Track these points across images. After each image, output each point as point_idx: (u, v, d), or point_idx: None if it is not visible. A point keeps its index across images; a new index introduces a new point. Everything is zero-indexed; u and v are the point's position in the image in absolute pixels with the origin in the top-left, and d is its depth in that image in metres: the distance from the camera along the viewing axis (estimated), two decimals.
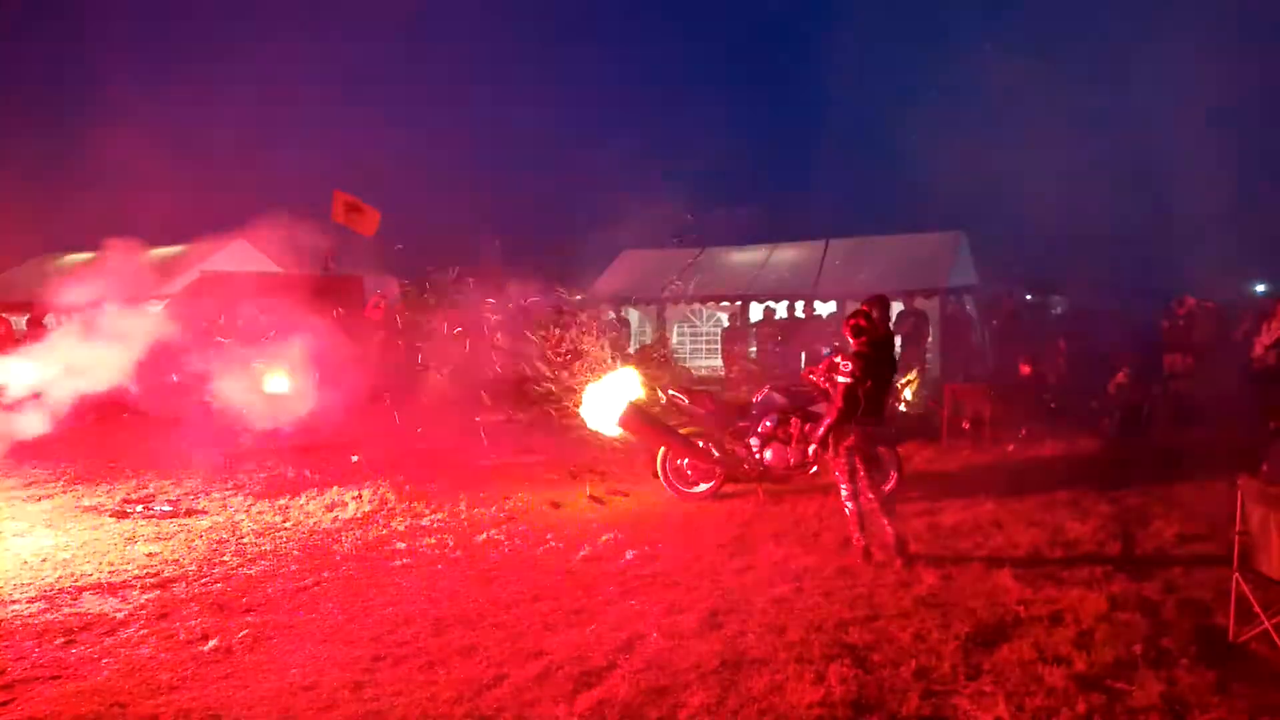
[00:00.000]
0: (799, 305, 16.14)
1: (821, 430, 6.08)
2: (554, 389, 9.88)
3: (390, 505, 7.95)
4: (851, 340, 6.12)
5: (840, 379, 5.98)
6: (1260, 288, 25.38)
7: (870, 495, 6.04)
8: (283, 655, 4.59)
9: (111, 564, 6.26)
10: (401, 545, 6.65)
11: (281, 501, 8.12)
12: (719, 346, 17.93)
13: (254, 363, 12.24)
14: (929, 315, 14.58)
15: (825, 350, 6.06)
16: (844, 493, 6.02)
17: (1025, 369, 11.12)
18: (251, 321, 13.09)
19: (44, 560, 6.36)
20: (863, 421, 5.99)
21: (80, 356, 8.33)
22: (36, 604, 5.43)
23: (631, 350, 14.09)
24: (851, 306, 15.03)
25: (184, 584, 5.81)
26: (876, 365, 6.02)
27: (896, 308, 16.19)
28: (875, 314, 7.92)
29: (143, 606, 5.35)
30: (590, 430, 8.52)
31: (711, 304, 18.53)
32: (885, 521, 5.96)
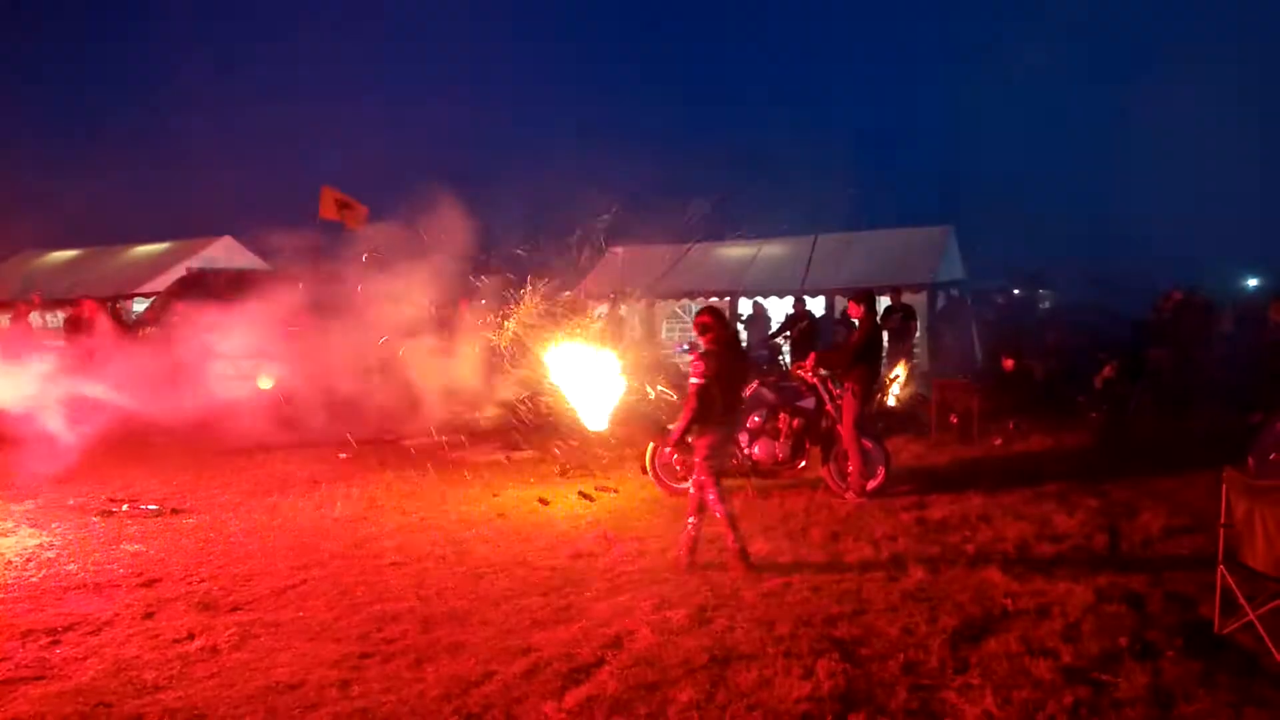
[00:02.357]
0: (788, 300, 16.16)
1: (674, 434, 5.87)
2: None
3: (378, 502, 7.93)
4: (700, 339, 5.95)
5: (691, 380, 5.76)
6: (1252, 282, 25.56)
7: (694, 492, 5.91)
8: (269, 654, 4.57)
9: (97, 563, 6.22)
10: (389, 543, 6.63)
11: (269, 500, 8.09)
12: None
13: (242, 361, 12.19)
14: (916, 310, 14.61)
15: (682, 347, 5.94)
16: (710, 496, 5.80)
17: (1009, 363, 11.15)
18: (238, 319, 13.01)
19: (29, 559, 6.31)
20: (722, 421, 5.83)
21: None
22: (21, 604, 5.39)
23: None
24: (840, 301, 15.07)
25: (170, 583, 5.77)
26: (727, 364, 5.83)
27: (884, 302, 16.24)
28: (865, 306, 7.95)
29: (128, 605, 5.31)
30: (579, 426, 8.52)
31: (700, 299, 18.51)
32: (692, 520, 5.86)
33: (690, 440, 5.84)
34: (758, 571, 5.61)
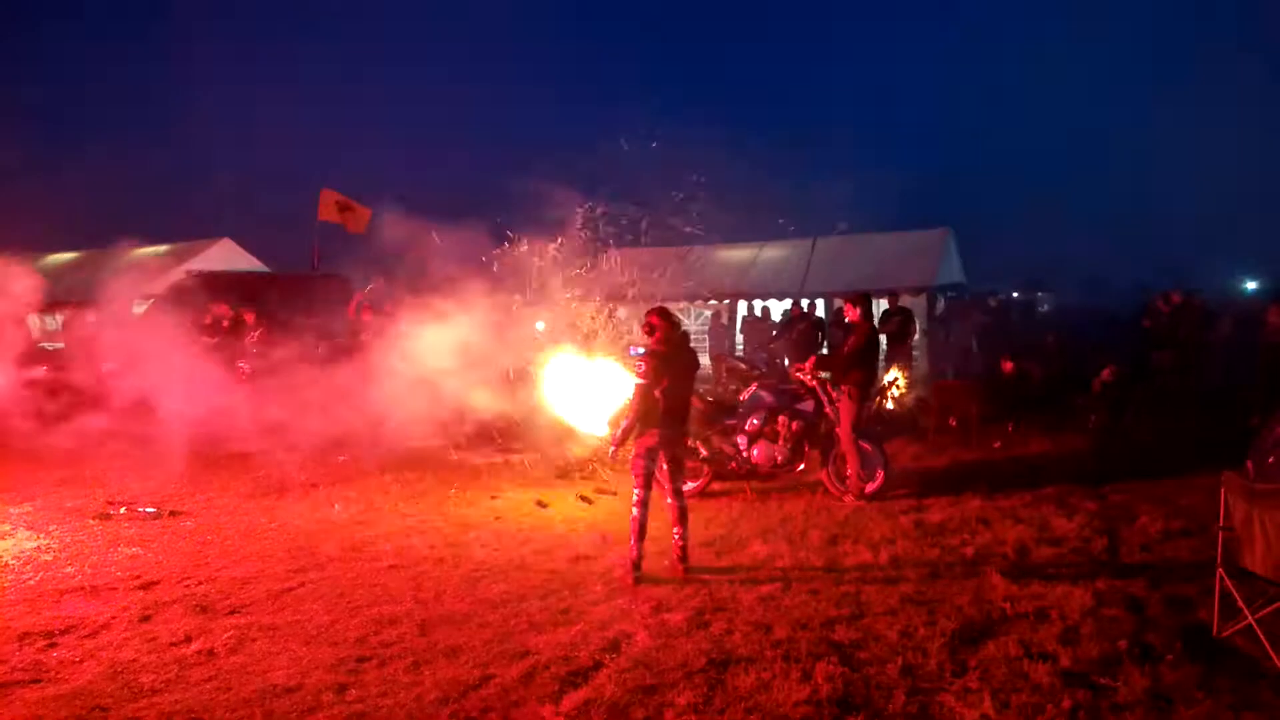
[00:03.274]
0: (786, 303, 16.15)
1: (619, 433, 5.80)
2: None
3: (376, 505, 7.92)
4: (647, 340, 5.83)
5: (636, 380, 5.68)
6: (1251, 285, 25.59)
7: (671, 500, 5.87)
8: (266, 657, 4.56)
9: (94, 566, 6.21)
10: (387, 546, 6.62)
11: (266, 502, 8.08)
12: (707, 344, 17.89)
13: (239, 363, 12.18)
14: (915, 313, 14.61)
15: (633, 351, 5.78)
16: (634, 497, 5.73)
17: (1007, 366, 11.14)
18: (237, 321, 13.01)
19: (26, 562, 6.30)
20: (664, 424, 5.72)
21: None
22: (18, 606, 5.37)
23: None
24: (839, 304, 15.04)
25: (167, 585, 5.76)
26: (673, 365, 5.73)
27: (882, 305, 16.22)
28: (861, 310, 7.92)
29: (125, 608, 5.30)
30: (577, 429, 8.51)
31: (700, 302, 18.52)
32: (676, 530, 5.82)
33: (631, 440, 5.75)
34: (649, 583, 5.56)
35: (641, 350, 5.74)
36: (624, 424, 5.75)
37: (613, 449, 5.87)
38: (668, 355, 5.71)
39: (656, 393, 5.65)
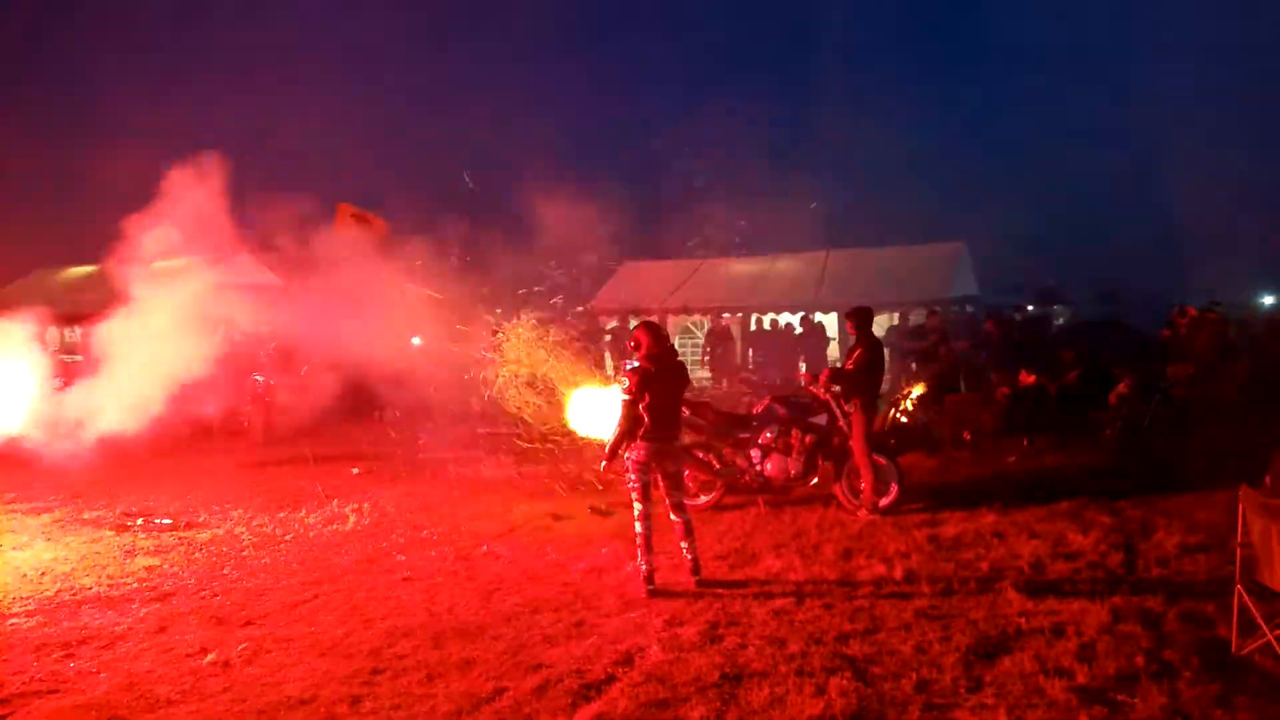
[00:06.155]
0: (797, 316, 16.13)
1: (608, 448, 5.82)
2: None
3: (390, 517, 7.95)
4: (635, 356, 5.82)
5: (621, 396, 5.72)
6: (1269, 299, 25.37)
7: (674, 516, 5.84)
8: (281, 669, 4.58)
9: (111, 577, 6.26)
10: (401, 558, 6.65)
11: (281, 514, 8.12)
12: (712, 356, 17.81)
13: (255, 375, 12.28)
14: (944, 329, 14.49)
15: (628, 365, 5.81)
16: (635, 511, 5.76)
17: (1029, 378, 11.07)
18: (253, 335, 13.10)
19: (43, 573, 6.36)
20: (651, 438, 5.72)
21: None
22: (35, 617, 5.42)
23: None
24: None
25: (183, 597, 5.80)
26: (657, 380, 5.72)
27: (897, 319, 16.18)
28: (860, 323, 7.88)
29: (142, 620, 5.34)
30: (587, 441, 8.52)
31: (712, 315, 18.54)
32: (684, 545, 5.82)
33: (622, 455, 5.78)
34: (663, 596, 5.54)
35: (632, 365, 5.78)
36: (611, 439, 5.79)
37: (603, 464, 5.91)
38: (652, 370, 5.72)
39: (641, 408, 5.67)
